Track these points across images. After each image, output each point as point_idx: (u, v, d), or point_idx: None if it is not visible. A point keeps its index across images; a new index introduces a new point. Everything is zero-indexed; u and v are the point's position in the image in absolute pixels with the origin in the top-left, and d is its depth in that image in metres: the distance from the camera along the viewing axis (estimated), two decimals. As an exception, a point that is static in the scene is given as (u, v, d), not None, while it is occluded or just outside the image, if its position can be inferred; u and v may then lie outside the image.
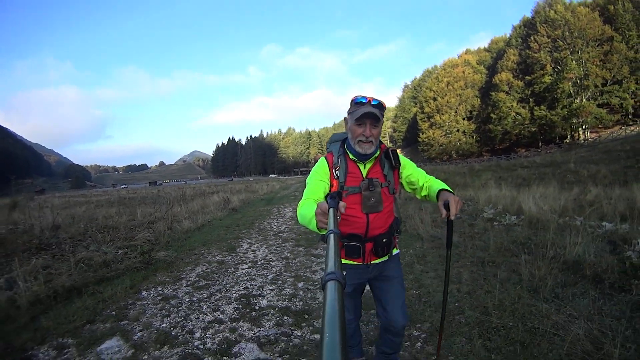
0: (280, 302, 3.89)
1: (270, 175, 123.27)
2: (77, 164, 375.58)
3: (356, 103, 1.94)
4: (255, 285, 4.50)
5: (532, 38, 55.32)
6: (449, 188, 1.92)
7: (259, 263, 5.56)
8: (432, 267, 4.66)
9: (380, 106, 1.92)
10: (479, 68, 71.07)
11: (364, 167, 2.00)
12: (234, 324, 3.39)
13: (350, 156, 2.01)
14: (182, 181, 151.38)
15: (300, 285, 4.42)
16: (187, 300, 4.03)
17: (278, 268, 5.22)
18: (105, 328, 3.34)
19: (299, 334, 3.17)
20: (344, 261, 2.01)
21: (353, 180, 1.98)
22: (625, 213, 6.88)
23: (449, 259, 2.05)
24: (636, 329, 2.57)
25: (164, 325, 3.38)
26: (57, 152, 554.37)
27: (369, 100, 1.91)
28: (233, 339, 3.11)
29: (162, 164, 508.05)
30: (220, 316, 3.58)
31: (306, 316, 3.51)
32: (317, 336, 3.09)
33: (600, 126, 49.96)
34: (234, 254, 6.17)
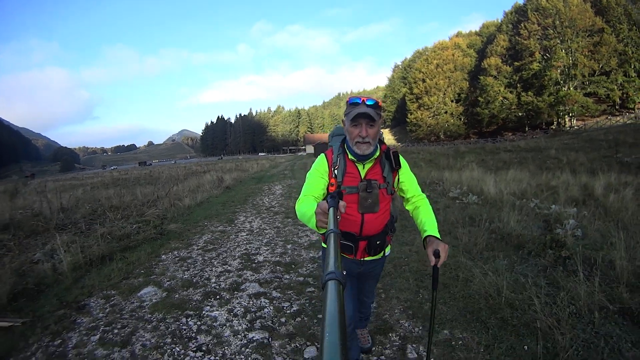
0: (274, 258, 4.96)
1: (260, 154, 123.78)
2: (65, 147, 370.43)
3: (351, 104, 1.96)
4: (253, 247, 5.54)
5: (522, 25, 55.88)
6: (437, 233, 1.96)
7: (255, 231, 6.57)
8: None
9: (376, 106, 1.92)
10: (469, 51, 71.72)
11: (363, 168, 2.02)
12: (239, 272, 4.45)
13: (350, 156, 2.02)
14: (172, 160, 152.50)
15: (289, 247, 5.47)
16: (200, 259, 5.02)
17: (271, 235, 6.24)
18: (139, 282, 4.27)
19: (287, 277, 4.24)
20: None
21: (351, 181, 2.00)
22: (578, 198, 7.90)
23: (434, 300, 2.02)
24: (536, 283, 3.47)
25: (186, 276, 4.37)
26: (45, 135, 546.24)
27: (363, 101, 1.93)
28: (240, 281, 4.16)
29: (150, 143, 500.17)
30: (229, 268, 4.63)
31: (293, 266, 4.59)
32: (301, 279, 4.17)
33: (587, 115, 50.86)
34: (233, 225, 7.16)
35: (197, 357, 2.72)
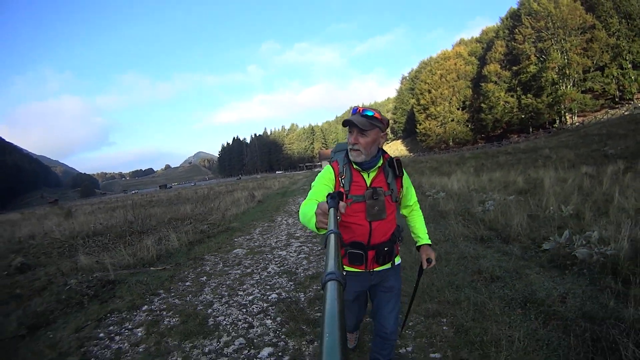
0: (305, 235, 8.00)
1: (277, 172, 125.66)
2: (84, 173, 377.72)
3: (352, 113, 2.03)
4: (292, 230, 8.66)
5: (517, 30, 58.19)
6: (428, 240, 2.32)
7: (291, 224, 9.71)
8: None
9: (370, 117, 1.97)
10: (471, 59, 74.16)
11: (368, 176, 2.07)
12: (287, 240, 7.58)
13: (354, 166, 2.06)
14: (191, 183, 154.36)
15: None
16: (260, 238, 8.16)
17: (301, 226, 9.25)
18: (229, 248, 7.39)
19: (316, 240, 7.25)
20: (347, 268, 2.15)
21: (357, 189, 2.05)
22: (523, 189, 10.77)
23: (415, 290, 2.50)
24: (440, 229, 6.52)
25: (256, 244, 7.53)
26: (63, 162, 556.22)
27: (359, 111, 1.99)
28: (288, 242, 7.32)
29: (168, 167, 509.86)
30: (280, 239, 7.78)
31: (315, 240, 7.51)
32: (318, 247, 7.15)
33: (587, 110, 52.53)
34: (274, 222, 10.31)
35: (275, 264, 5.84)
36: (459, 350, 2.79)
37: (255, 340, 3.34)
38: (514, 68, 59.58)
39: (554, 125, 55.08)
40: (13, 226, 17.12)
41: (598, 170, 12.53)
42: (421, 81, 79.75)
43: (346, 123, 1.98)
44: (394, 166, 2.10)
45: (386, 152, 2.18)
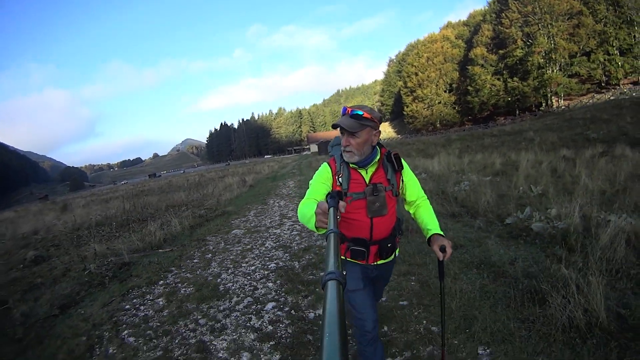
0: (295, 217, 8.52)
1: (266, 157, 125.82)
2: (72, 166, 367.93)
3: (342, 114, 2.03)
4: (284, 212, 9.35)
5: (504, 14, 58.66)
6: (440, 231, 2.11)
7: (282, 206, 10.39)
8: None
9: (360, 117, 1.94)
10: (458, 42, 74.73)
11: (366, 173, 2.06)
12: (280, 220, 8.30)
13: (350, 163, 2.05)
14: (180, 170, 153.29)
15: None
16: (255, 219, 8.83)
17: (292, 207, 9.94)
18: (228, 230, 8.05)
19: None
20: (351, 261, 2.14)
21: (357, 187, 2.03)
22: (500, 170, 11.53)
23: (442, 291, 2.21)
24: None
25: (252, 225, 8.21)
26: (50, 156, 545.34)
27: (348, 111, 1.98)
28: (282, 222, 8.01)
29: (156, 155, 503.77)
30: (274, 219, 8.48)
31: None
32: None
33: (574, 94, 53.54)
34: (267, 205, 10.98)
35: (272, 240, 6.53)
36: (422, 299, 3.53)
37: (260, 298, 4.06)
38: (501, 52, 60.26)
39: (541, 108, 55.99)
40: (11, 224, 17.43)
41: (577, 153, 13.06)
42: (408, 64, 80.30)
43: (335, 127, 1.98)
44: (393, 161, 2.10)
45: (383, 147, 2.17)
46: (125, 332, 3.71)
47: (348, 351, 0.50)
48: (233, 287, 4.49)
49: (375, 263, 2.15)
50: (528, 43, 56.27)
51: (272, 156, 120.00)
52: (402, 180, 2.17)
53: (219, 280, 4.81)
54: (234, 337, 3.30)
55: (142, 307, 4.30)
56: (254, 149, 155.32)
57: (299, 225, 7.46)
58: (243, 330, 3.39)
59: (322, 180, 2.05)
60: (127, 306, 4.38)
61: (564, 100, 54.50)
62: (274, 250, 5.90)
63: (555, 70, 53.98)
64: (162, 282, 5.08)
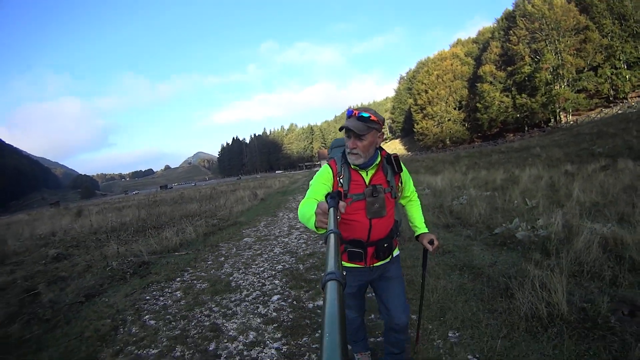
0: (303, 228, 9.09)
1: (277, 172, 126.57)
2: (84, 174, 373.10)
3: (347, 116, 2.08)
4: (293, 223, 9.87)
5: (512, 31, 59.11)
6: (426, 229, 2.40)
7: (291, 218, 10.92)
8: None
9: (366, 119, 1.98)
10: (467, 60, 75.33)
11: (367, 174, 2.11)
12: (289, 230, 8.81)
13: (352, 165, 2.10)
14: (192, 183, 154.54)
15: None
16: (266, 230, 9.37)
17: (300, 223, 10.41)
18: (239, 237, 8.59)
19: (312, 233, 8.35)
20: (347, 265, 2.20)
21: (357, 188, 2.09)
22: (499, 185, 11.98)
23: (424, 277, 2.63)
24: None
25: (262, 234, 8.75)
26: (62, 164, 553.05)
27: (355, 114, 2.00)
28: (290, 232, 8.53)
29: (167, 167, 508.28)
30: (283, 230, 9.01)
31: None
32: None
33: (582, 109, 53.38)
34: (277, 217, 11.51)
35: (280, 247, 7.06)
36: (407, 295, 4.01)
37: (267, 292, 4.60)
38: (509, 68, 60.60)
39: (549, 124, 55.88)
40: (27, 225, 17.99)
41: (579, 168, 13.43)
42: (418, 81, 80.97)
43: (346, 129, 2.02)
44: (393, 163, 2.16)
45: (383, 149, 2.23)
46: (147, 316, 4.25)
47: (348, 351, 0.68)
48: (243, 284, 5.03)
49: (372, 265, 2.22)
50: (536, 59, 56.53)
51: (283, 171, 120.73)
52: (401, 182, 2.27)
53: (231, 278, 5.35)
54: (243, 320, 3.83)
55: (161, 298, 4.84)
56: (266, 164, 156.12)
57: (306, 235, 7.98)
58: (251, 316, 3.92)
59: (322, 181, 2.09)
60: (148, 297, 4.92)
61: (572, 115, 54.49)
62: (281, 255, 6.43)
63: (563, 86, 54.08)
64: (179, 279, 5.63)
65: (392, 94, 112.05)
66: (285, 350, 3.18)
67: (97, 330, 3.91)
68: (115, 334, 3.85)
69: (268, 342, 3.35)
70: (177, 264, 6.49)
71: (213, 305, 4.34)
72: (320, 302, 4.12)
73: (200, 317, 4.06)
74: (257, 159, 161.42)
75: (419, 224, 2.41)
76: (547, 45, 54.88)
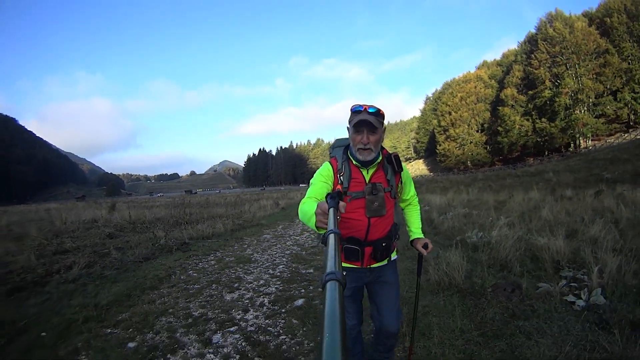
0: (310, 239, 10.98)
1: (301, 185, 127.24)
2: (111, 173, 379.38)
3: (354, 112, 2.05)
4: (305, 228, 11.62)
5: (533, 55, 59.86)
6: (421, 235, 2.41)
7: (304, 226, 12.65)
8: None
9: (377, 114, 2.00)
10: (491, 83, 76.16)
11: (367, 173, 2.11)
12: (301, 232, 10.74)
13: (354, 162, 2.11)
14: (216, 190, 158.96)
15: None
16: (282, 231, 11.32)
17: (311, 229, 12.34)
18: (259, 234, 10.57)
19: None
20: (343, 264, 2.10)
21: (357, 186, 2.08)
22: (493, 205, 13.51)
23: (418, 285, 2.52)
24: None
25: (279, 233, 10.73)
26: (89, 160, 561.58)
27: (365, 108, 2.00)
28: (302, 233, 10.50)
29: (193, 173, 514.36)
30: (296, 231, 10.98)
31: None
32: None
33: (601, 134, 53.53)
34: (293, 223, 13.37)
35: (291, 242, 9.01)
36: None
37: (276, 263, 6.62)
38: (530, 92, 61.17)
39: (569, 149, 56.17)
40: (65, 212, 19.36)
41: (578, 193, 14.40)
42: (443, 103, 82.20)
43: (363, 123, 2.00)
44: (393, 162, 2.12)
45: (384, 148, 2.21)
46: (190, 271, 6.27)
47: (348, 351, 0.53)
48: (260, 259, 7.04)
49: (369, 266, 2.21)
50: (556, 83, 56.72)
51: (307, 185, 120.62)
52: (401, 182, 2.25)
53: (251, 256, 7.34)
54: (257, 275, 5.82)
55: (200, 264, 6.84)
56: (290, 176, 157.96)
57: (315, 235, 9.78)
58: (263, 274, 5.90)
59: (322, 179, 2.10)
60: (190, 262, 6.93)
61: (591, 140, 54.50)
62: (291, 247, 8.38)
63: (582, 111, 54.13)
64: (212, 255, 7.64)
65: (418, 113, 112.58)
66: (281, 288, 5.11)
67: (155, 276, 5.88)
68: (169, 278, 5.81)
69: (271, 285, 5.30)
70: (210, 246, 8.52)
71: (238, 268, 6.32)
72: (311, 270, 6.04)
73: (228, 273, 6.05)
74: (282, 171, 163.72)
75: (415, 229, 2.43)
76: (567, 70, 55.17)
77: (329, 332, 0.53)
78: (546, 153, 60.29)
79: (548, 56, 57.62)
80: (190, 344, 3.46)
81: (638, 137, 43.15)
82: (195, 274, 6.02)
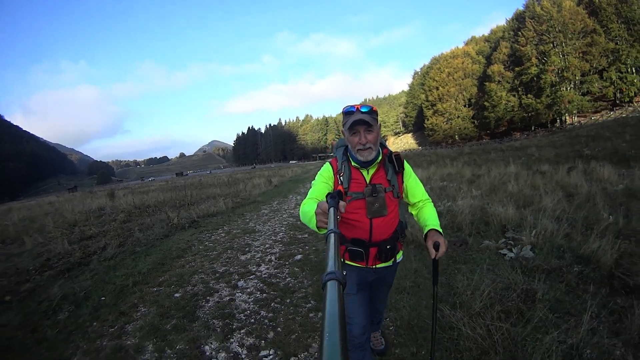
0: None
1: (291, 162, 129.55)
2: (100, 161, 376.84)
3: (346, 113, 2.03)
4: (299, 202, 12.90)
5: (520, 32, 60.44)
6: (439, 227, 2.07)
7: (297, 200, 13.94)
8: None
9: (371, 111, 1.98)
10: (478, 58, 76.67)
11: (367, 173, 2.09)
12: (294, 206, 11.95)
13: (353, 163, 2.09)
14: (207, 171, 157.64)
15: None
16: (278, 206, 12.50)
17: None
18: (258, 210, 11.77)
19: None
20: (348, 263, 2.18)
21: (357, 186, 2.06)
22: (469, 178, 14.77)
23: (435, 295, 2.19)
24: None
25: (275, 208, 11.93)
26: (78, 150, 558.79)
27: (357, 108, 1.98)
28: (296, 207, 11.70)
29: (182, 155, 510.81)
30: (290, 206, 12.23)
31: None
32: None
33: (588, 112, 54.71)
34: (287, 199, 14.56)
35: (287, 214, 10.25)
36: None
37: (276, 232, 7.89)
38: (517, 69, 62.01)
39: (555, 125, 57.58)
40: (68, 203, 20.70)
41: (554, 168, 14.90)
42: (430, 78, 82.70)
43: (358, 123, 1.97)
44: (393, 162, 2.11)
45: (385, 147, 2.21)
46: (206, 242, 7.49)
47: (348, 351, 0.53)
48: (262, 229, 8.32)
49: (374, 266, 2.18)
50: (542, 61, 57.79)
51: (297, 162, 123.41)
52: (404, 182, 2.19)
53: (254, 227, 8.63)
54: (262, 241, 7.10)
55: (212, 236, 8.05)
56: (280, 154, 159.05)
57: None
58: (267, 240, 7.18)
59: (323, 180, 2.12)
60: (203, 236, 8.13)
61: (577, 117, 55.73)
62: (287, 218, 9.65)
63: (569, 88, 55.36)
64: (220, 229, 8.85)
65: (407, 88, 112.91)
66: (283, 249, 6.41)
67: (178, 248, 7.10)
68: (190, 249, 7.04)
69: (275, 247, 6.59)
70: (217, 222, 9.73)
71: (245, 237, 7.58)
72: (306, 235, 7.28)
73: (238, 241, 7.30)
74: (272, 148, 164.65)
75: (430, 221, 2.14)
76: (554, 48, 56.17)
77: (329, 332, 0.54)
78: (533, 128, 61.67)
79: (535, 34, 58.27)
80: (221, 289, 4.72)
81: (622, 115, 44.12)
82: (211, 244, 7.24)
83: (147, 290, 4.88)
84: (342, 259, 2.13)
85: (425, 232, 2.09)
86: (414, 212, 2.30)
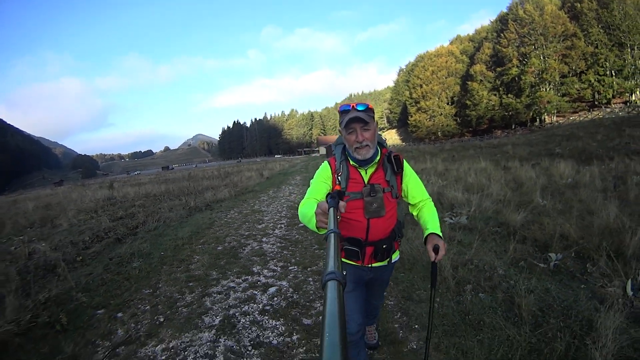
0: (301, 193, 14.08)
1: (276, 156, 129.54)
2: (84, 154, 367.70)
3: (342, 112, 2.02)
4: (291, 190, 14.88)
5: (503, 34, 63.00)
6: (439, 231, 2.07)
7: (290, 190, 15.71)
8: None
9: (367, 109, 1.96)
10: (462, 57, 79.15)
11: (366, 173, 2.07)
12: (289, 194, 13.85)
13: (351, 162, 2.07)
14: (192, 165, 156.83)
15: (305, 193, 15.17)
16: (274, 195, 14.27)
17: (297, 191, 15.26)
18: (259, 197, 13.54)
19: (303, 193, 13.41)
20: (344, 261, 2.19)
21: (355, 186, 2.05)
22: (440, 171, 16.71)
23: (432, 298, 2.18)
24: None
25: (272, 196, 13.73)
26: (62, 143, 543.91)
27: (353, 107, 1.96)
28: (289, 194, 13.63)
29: (167, 149, 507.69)
30: (285, 194, 14.06)
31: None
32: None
33: (567, 112, 57.34)
34: (280, 189, 16.28)
35: (284, 200, 12.09)
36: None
37: (280, 212, 9.76)
38: (498, 69, 64.64)
39: (535, 124, 60.18)
40: (71, 194, 22.09)
41: (523, 164, 16.22)
42: (415, 76, 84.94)
43: (354, 120, 1.95)
44: (392, 162, 2.08)
45: (385, 147, 2.18)
46: (225, 219, 9.26)
47: (348, 351, 0.52)
48: (268, 210, 10.21)
49: (370, 265, 2.21)
50: (523, 62, 60.32)
51: (283, 156, 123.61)
52: (403, 183, 2.20)
53: (261, 208, 10.49)
54: (271, 217, 8.96)
55: (227, 215, 9.81)
56: (265, 148, 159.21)
57: (300, 196, 12.72)
58: (274, 216, 9.08)
59: (322, 179, 2.11)
60: (220, 215, 9.87)
61: (556, 117, 58.29)
62: (285, 202, 11.53)
63: (548, 89, 57.86)
64: (232, 210, 10.63)
65: (392, 84, 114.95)
66: (289, 220, 8.30)
67: (204, 222, 8.87)
68: (214, 223, 8.80)
69: (282, 219, 8.51)
70: (227, 206, 11.54)
71: (256, 215, 9.44)
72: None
73: (252, 217, 9.16)
74: (257, 143, 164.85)
75: (430, 224, 2.13)
76: (534, 50, 58.72)
77: (329, 332, 0.54)
78: (513, 126, 64.08)
79: (517, 36, 60.74)
80: (252, 243, 6.64)
81: (599, 116, 46.17)
82: (230, 220, 9.04)
83: (195, 247, 6.57)
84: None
85: (425, 235, 2.10)
86: (414, 213, 2.31)
